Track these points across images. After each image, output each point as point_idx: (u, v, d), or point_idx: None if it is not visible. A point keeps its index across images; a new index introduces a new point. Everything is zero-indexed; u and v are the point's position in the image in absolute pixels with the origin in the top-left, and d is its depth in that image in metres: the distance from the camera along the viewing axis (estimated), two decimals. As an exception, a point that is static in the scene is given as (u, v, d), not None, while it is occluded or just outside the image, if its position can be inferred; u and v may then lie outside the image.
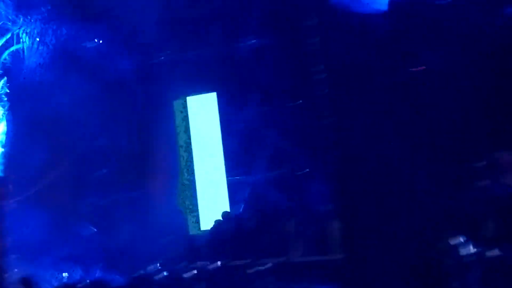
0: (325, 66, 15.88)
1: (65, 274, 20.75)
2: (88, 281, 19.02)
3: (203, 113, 21.23)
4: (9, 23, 20.81)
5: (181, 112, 21.32)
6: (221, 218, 19.87)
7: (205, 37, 20.61)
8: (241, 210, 20.24)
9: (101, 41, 20.39)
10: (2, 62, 21.19)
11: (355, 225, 15.13)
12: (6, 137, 21.45)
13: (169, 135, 21.46)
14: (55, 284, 20.15)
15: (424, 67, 14.74)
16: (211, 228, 19.96)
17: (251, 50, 19.84)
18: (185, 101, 21.40)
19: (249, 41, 19.93)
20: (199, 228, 21.15)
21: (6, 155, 21.34)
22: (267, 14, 19.63)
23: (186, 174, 21.30)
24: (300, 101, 19.36)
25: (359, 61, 14.13)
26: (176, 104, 21.46)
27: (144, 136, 21.38)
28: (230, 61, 20.19)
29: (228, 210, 20.37)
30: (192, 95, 21.35)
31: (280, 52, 19.44)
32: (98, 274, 20.17)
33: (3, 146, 21.40)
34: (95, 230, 21.54)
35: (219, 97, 20.97)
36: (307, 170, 19.60)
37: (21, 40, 20.95)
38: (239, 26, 19.82)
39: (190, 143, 21.36)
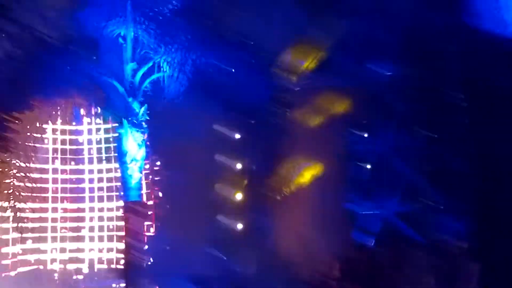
0: (466, 94, 15.41)
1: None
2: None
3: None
4: (151, 52, 21.41)
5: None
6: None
7: (340, 64, 20.60)
8: (373, 243, 19.93)
9: (234, 70, 20.61)
10: (143, 90, 21.76)
11: (491, 264, 14.58)
12: (144, 163, 22.01)
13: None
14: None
15: None
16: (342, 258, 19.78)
17: (387, 78, 19.62)
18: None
19: (386, 69, 19.71)
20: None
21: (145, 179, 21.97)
22: (405, 42, 19.38)
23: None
24: (437, 132, 18.90)
25: (504, 90, 13.56)
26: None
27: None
28: (365, 89, 20.04)
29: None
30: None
31: (418, 80, 19.12)
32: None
33: (141, 172, 21.95)
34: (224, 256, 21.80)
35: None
36: (441, 206, 19.11)
37: (161, 69, 21.46)
38: (376, 53, 19.64)
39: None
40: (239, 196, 22.48)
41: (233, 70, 20.73)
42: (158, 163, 22.50)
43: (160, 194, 22.24)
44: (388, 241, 19.73)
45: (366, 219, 20.47)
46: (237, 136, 22.04)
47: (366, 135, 20.92)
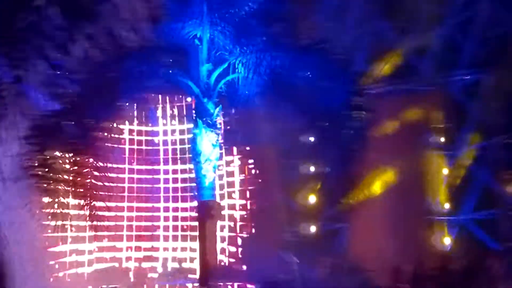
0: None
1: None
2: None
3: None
4: (227, 54, 21.47)
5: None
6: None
7: (417, 69, 20.34)
8: (448, 249, 19.70)
9: (310, 74, 20.49)
10: (218, 91, 21.88)
11: None
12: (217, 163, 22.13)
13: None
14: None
15: None
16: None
17: (466, 83, 19.32)
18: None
19: (464, 75, 19.41)
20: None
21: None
22: (483, 47, 19.05)
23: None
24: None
25: None
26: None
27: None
28: (443, 94, 19.78)
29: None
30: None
31: (497, 86, 18.78)
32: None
33: (215, 172, 22.08)
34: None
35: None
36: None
37: (236, 70, 21.51)
38: (456, 59, 19.36)
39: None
40: (312, 199, 22.52)
41: (308, 73, 20.65)
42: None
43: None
44: (464, 247, 19.46)
45: (442, 224, 20.25)
46: (311, 139, 22.05)
47: (443, 140, 20.70)
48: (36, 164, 18.79)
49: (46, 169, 19.04)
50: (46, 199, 20.16)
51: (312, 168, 22.41)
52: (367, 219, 21.29)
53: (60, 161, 19.27)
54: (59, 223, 20.43)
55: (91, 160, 19.37)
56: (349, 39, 20.01)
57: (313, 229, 22.33)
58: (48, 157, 19.04)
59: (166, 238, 24.33)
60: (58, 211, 19.96)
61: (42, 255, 22.68)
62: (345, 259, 20.99)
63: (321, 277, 20.46)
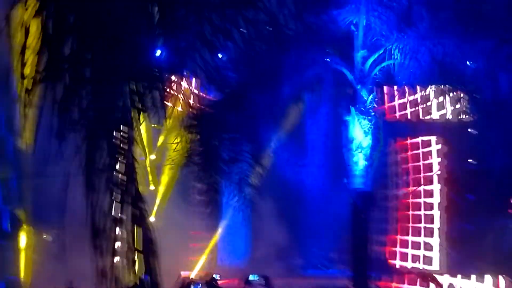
0: None
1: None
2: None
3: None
4: (383, 39, 20.87)
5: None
6: None
7: None
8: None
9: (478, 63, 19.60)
10: (373, 78, 21.37)
11: None
12: (370, 151, 21.65)
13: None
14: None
15: None
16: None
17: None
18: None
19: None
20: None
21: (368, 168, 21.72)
22: None
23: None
24: None
25: None
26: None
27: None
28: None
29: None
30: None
31: None
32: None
33: (367, 160, 21.64)
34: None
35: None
36: None
37: (392, 56, 20.90)
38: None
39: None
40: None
41: (469, 63, 19.80)
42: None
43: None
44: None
45: None
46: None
47: None
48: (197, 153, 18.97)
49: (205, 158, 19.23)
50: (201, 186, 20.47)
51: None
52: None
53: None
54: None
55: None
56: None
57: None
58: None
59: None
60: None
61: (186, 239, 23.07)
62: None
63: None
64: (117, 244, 13.11)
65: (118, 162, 13.25)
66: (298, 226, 24.27)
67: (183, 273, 21.20)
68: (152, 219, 18.34)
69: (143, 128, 17.81)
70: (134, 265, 12.87)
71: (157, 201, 23.14)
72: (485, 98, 19.31)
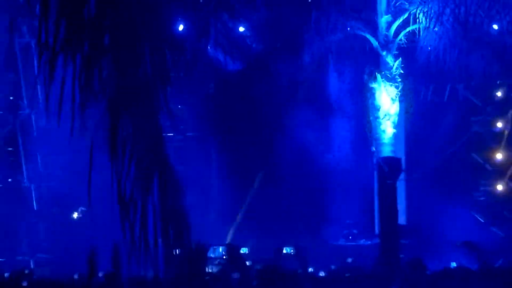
0: None
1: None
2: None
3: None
4: (406, 3, 20.46)
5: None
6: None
7: None
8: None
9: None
10: (398, 43, 20.97)
11: None
12: (398, 118, 21.29)
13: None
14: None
15: None
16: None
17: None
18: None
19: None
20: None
21: (398, 136, 21.34)
22: None
23: None
24: None
25: None
26: None
27: None
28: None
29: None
30: None
31: None
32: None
33: (395, 127, 21.28)
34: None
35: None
36: None
37: (417, 20, 20.48)
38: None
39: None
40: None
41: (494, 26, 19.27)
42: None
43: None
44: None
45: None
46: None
47: None
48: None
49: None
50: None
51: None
52: None
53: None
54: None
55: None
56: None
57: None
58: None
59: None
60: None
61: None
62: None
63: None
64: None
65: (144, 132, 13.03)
66: (328, 198, 24.00)
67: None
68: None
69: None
70: (165, 235, 12.67)
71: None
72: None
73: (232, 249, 17.31)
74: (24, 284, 14.58)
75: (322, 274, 15.66)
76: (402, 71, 21.13)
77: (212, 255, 16.76)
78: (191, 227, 13.08)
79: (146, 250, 12.29)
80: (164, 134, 13.43)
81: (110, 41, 12.52)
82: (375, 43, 20.91)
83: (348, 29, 20.68)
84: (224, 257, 18.22)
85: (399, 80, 21.13)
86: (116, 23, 12.43)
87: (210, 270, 15.35)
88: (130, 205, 12.63)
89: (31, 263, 20.92)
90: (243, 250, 19.98)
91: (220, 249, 17.10)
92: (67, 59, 12.44)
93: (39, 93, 17.74)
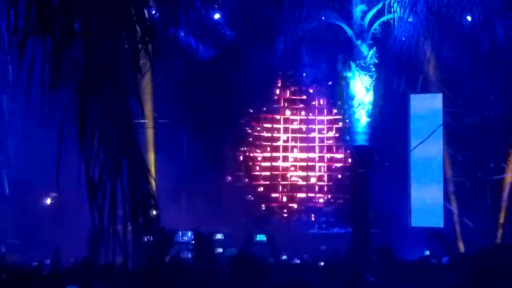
0: None
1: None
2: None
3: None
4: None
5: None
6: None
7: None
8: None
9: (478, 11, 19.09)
10: (372, 33, 21.02)
11: None
12: (373, 107, 21.37)
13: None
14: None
15: None
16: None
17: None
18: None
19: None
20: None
21: (372, 125, 21.42)
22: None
23: None
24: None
25: None
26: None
27: None
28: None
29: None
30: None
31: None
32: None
33: (369, 116, 21.36)
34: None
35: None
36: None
37: (391, 10, 20.51)
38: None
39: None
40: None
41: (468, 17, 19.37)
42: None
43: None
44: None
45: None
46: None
47: None
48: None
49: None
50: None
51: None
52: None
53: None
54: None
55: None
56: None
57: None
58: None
59: (321, 189, 24.02)
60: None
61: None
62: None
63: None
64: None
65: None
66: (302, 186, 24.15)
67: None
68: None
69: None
70: (133, 220, 12.61)
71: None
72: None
73: (199, 234, 17.19)
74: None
75: (285, 257, 15.66)
76: (376, 61, 21.28)
77: (180, 240, 16.64)
78: (160, 212, 13.03)
79: (115, 234, 12.21)
80: (134, 120, 13.34)
81: (80, 25, 12.42)
82: (350, 32, 20.93)
83: (323, 18, 20.66)
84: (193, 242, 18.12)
85: (373, 69, 21.22)
86: (87, 6, 12.33)
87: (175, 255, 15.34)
88: (99, 189, 12.56)
89: (2, 248, 20.73)
90: (218, 237, 19.91)
91: (189, 234, 16.99)
92: (37, 42, 12.31)
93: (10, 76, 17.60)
